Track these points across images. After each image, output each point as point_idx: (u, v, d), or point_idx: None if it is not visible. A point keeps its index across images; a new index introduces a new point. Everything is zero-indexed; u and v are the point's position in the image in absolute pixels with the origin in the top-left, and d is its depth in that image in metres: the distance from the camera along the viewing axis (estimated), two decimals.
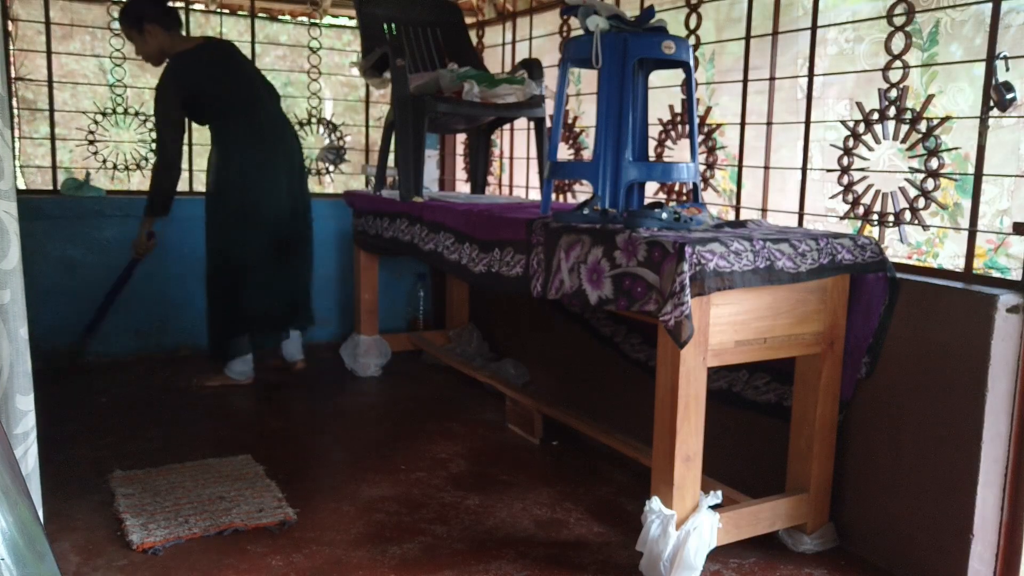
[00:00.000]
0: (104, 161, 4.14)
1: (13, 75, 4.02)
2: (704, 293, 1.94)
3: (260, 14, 4.45)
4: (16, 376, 1.38)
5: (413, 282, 4.60)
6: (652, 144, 3.11)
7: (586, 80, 3.89)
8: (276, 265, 3.61)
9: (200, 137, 4.34)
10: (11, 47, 3.94)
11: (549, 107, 3.47)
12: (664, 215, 2.20)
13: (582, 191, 3.72)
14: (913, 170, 2.30)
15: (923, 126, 2.26)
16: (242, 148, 3.51)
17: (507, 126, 4.08)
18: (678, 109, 3.10)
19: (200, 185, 4.44)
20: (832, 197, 2.52)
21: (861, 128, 2.41)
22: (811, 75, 2.60)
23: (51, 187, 4.03)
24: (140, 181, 4.52)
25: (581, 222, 2.33)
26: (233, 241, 3.52)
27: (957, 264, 2.34)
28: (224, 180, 3.51)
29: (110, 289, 3.82)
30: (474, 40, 4.30)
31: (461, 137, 4.74)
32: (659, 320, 1.97)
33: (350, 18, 4.63)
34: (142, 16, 3.43)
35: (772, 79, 2.75)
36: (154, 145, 4.18)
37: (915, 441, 2.14)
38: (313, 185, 4.62)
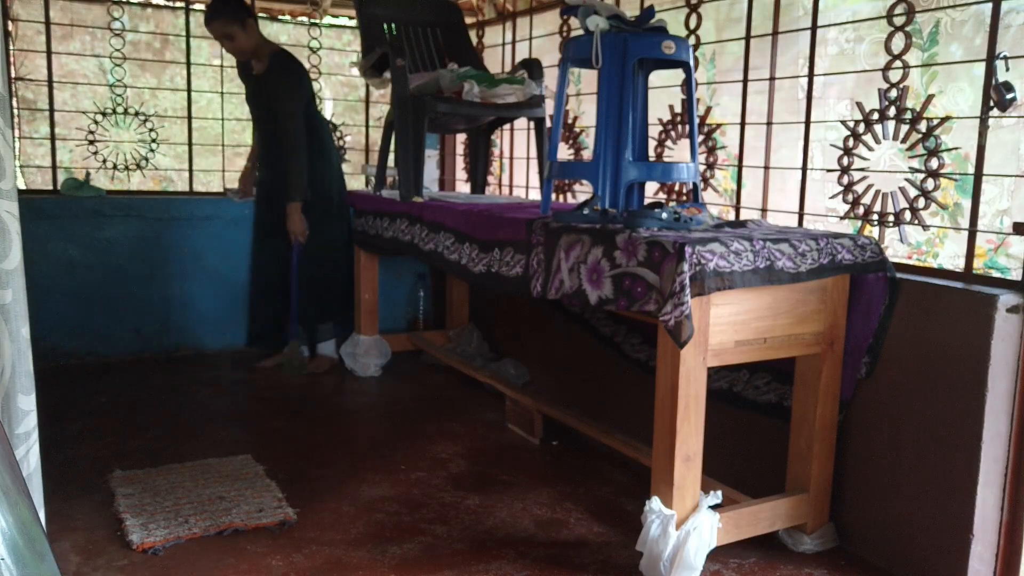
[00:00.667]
0: (104, 161, 4.13)
1: (13, 75, 4.02)
2: (704, 293, 1.94)
3: (260, 14, 4.44)
4: (18, 376, 1.38)
5: (413, 282, 4.60)
6: (652, 144, 3.11)
7: (586, 80, 3.89)
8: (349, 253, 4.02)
9: (199, 137, 4.34)
10: (11, 47, 3.94)
11: (549, 107, 3.47)
12: (664, 215, 2.20)
13: (582, 191, 3.72)
14: (913, 170, 2.30)
15: (923, 126, 2.26)
16: (322, 149, 3.78)
17: (507, 126, 4.08)
18: (678, 109, 3.10)
19: (200, 186, 4.44)
20: (832, 197, 2.52)
21: (861, 128, 2.41)
22: (811, 75, 2.59)
23: (51, 187, 4.03)
24: (140, 181, 4.52)
25: (581, 222, 2.32)
26: (330, 234, 3.86)
27: (957, 264, 2.34)
28: (313, 180, 3.74)
29: (292, 285, 3.83)
30: (474, 40, 4.30)
31: (461, 137, 4.74)
32: (659, 320, 1.97)
33: (350, 18, 4.62)
34: (246, 11, 3.59)
35: (772, 79, 2.75)
36: (154, 145, 4.19)
37: (915, 441, 2.14)
38: None
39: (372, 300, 4.02)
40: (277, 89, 3.62)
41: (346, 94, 5.16)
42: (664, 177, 2.80)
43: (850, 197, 2.45)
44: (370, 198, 3.76)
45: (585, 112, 3.80)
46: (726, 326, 2.05)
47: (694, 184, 2.53)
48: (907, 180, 2.32)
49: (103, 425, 3.14)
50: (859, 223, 2.44)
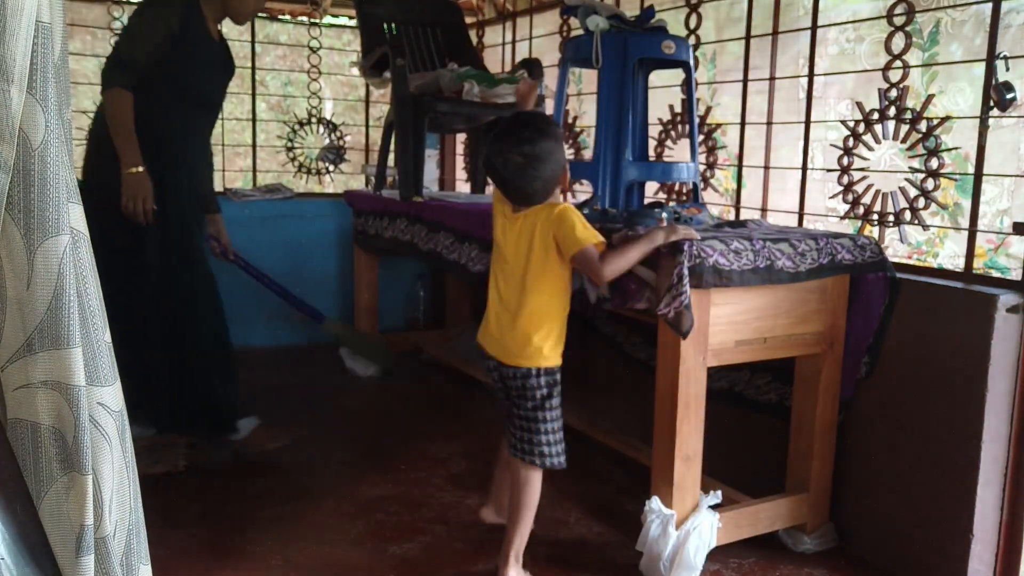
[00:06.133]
0: None
1: None
2: (703, 286, 1.94)
3: (260, 14, 4.44)
4: None
5: (413, 282, 4.60)
6: (652, 144, 3.11)
7: (586, 80, 3.89)
8: None
9: None
10: None
11: (549, 107, 3.47)
12: (664, 215, 2.20)
13: (582, 191, 3.71)
14: (913, 170, 2.30)
15: (923, 126, 2.26)
16: None
17: None
18: (678, 109, 3.10)
19: None
20: (832, 197, 2.52)
21: (861, 128, 2.41)
22: (811, 75, 2.60)
23: None
24: None
25: None
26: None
27: (957, 264, 2.34)
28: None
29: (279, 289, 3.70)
30: (474, 40, 4.30)
31: (461, 137, 4.74)
32: (659, 313, 1.97)
33: (350, 18, 4.62)
34: None
35: (772, 79, 2.75)
36: None
37: (915, 441, 2.14)
38: (313, 185, 4.63)
39: (371, 300, 4.01)
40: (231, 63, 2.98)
41: (346, 94, 5.16)
42: (664, 177, 2.81)
43: (850, 197, 2.45)
44: (370, 198, 3.76)
45: (585, 112, 3.80)
46: (726, 326, 2.05)
47: (694, 184, 2.53)
48: (907, 180, 2.32)
49: None
50: (859, 223, 2.44)
